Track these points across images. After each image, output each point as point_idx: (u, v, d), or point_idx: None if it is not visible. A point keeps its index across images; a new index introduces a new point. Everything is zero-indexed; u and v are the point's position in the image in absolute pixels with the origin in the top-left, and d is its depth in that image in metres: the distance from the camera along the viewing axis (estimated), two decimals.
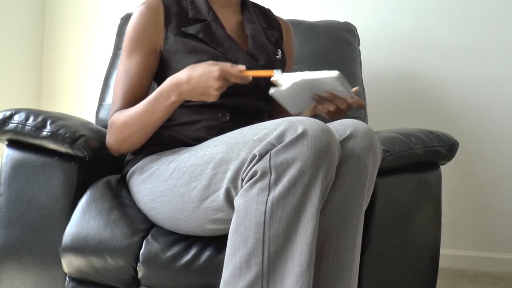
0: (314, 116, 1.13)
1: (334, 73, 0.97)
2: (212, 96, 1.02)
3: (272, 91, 1.03)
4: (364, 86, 1.72)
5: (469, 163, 1.98)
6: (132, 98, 1.16)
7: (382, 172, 1.06)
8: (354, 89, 1.07)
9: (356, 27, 1.79)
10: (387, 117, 1.96)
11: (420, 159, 1.16)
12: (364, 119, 1.64)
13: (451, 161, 1.25)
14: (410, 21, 1.99)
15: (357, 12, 2.00)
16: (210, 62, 1.03)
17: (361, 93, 1.67)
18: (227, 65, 1.01)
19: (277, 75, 1.01)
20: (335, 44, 1.71)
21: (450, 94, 1.98)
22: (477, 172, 2.00)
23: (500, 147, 1.98)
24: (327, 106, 1.08)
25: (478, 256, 1.99)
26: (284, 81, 1.01)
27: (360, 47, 1.78)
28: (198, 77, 1.01)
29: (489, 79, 1.96)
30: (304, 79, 0.98)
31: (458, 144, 1.22)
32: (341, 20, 1.81)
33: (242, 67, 1.01)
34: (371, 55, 1.93)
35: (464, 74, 1.97)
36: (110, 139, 1.15)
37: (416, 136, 1.18)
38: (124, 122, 1.12)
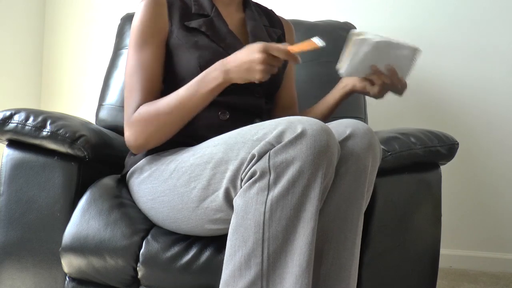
0: (363, 89, 1.20)
1: (418, 48, 1.08)
2: (257, 71, 0.99)
3: (358, 37, 1.07)
4: None
5: (469, 163, 1.98)
6: (152, 90, 1.12)
7: (382, 172, 1.06)
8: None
9: (356, 27, 1.79)
10: (387, 117, 1.96)
11: (420, 159, 1.16)
12: (364, 119, 1.64)
13: (451, 161, 1.25)
14: (410, 21, 1.99)
15: (357, 12, 2.00)
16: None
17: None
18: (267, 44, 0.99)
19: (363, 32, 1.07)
20: (335, 44, 1.70)
21: (450, 94, 1.98)
22: (477, 172, 2.00)
23: (500, 147, 1.97)
24: (384, 78, 1.14)
25: (478, 256, 1.99)
26: (370, 35, 1.06)
27: None
28: (243, 53, 1.01)
29: (489, 79, 1.96)
30: (390, 40, 1.07)
31: (458, 144, 1.22)
32: (341, 20, 1.81)
33: (286, 44, 0.98)
34: None
35: (464, 74, 1.97)
36: (135, 135, 1.09)
37: (416, 136, 1.18)
38: (157, 113, 1.07)
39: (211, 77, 1.04)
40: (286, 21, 1.39)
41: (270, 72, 1.00)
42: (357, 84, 1.22)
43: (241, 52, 1.01)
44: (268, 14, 1.35)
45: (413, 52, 1.11)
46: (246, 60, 0.99)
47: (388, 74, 1.15)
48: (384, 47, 1.09)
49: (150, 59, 1.14)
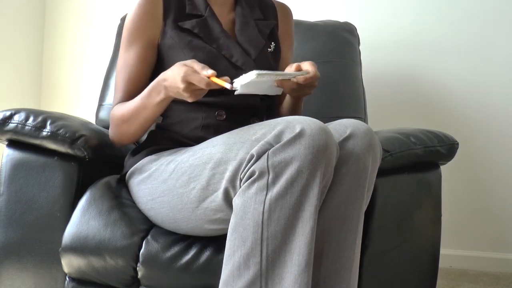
0: (291, 93, 1.13)
1: (253, 74, 0.96)
2: (186, 97, 0.99)
3: (236, 92, 1.00)
4: (364, 86, 1.72)
5: (469, 163, 1.98)
6: (132, 90, 1.16)
7: (382, 172, 1.06)
8: (294, 67, 1.07)
9: (356, 27, 1.79)
10: (387, 117, 1.96)
11: (420, 159, 1.16)
12: (364, 119, 1.64)
13: (451, 161, 1.25)
14: (410, 21, 1.99)
15: (357, 12, 2.00)
16: (187, 62, 0.99)
17: (361, 93, 1.67)
18: (194, 68, 0.97)
19: (235, 83, 0.99)
20: (335, 44, 1.70)
21: (450, 94, 1.98)
22: (477, 172, 2.00)
23: (500, 147, 1.97)
24: (289, 85, 1.09)
25: (478, 256, 1.99)
26: (237, 85, 0.98)
27: (360, 47, 1.78)
28: (171, 76, 1.00)
29: (489, 79, 1.96)
30: (244, 83, 0.97)
31: (458, 144, 1.22)
32: (341, 20, 1.81)
33: (210, 72, 0.95)
34: (371, 55, 1.93)
35: (464, 73, 1.97)
36: (111, 132, 1.19)
37: (416, 136, 1.18)
38: (122, 116, 1.14)
39: (156, 91, 1.06)
40: (281, 4, 1.36)
41: (199, 95, 1.00)
42: (289, 93, 1.16)
43: (171, 75, 1.00)
44: (260, 3, 1.32)
45: (255, 79, 0.99)
46: (173, 85, 1.00)
47: (282, 84, 1.09)
48: (252, 84, 1.01)
49: (135, 59, 1.17)
